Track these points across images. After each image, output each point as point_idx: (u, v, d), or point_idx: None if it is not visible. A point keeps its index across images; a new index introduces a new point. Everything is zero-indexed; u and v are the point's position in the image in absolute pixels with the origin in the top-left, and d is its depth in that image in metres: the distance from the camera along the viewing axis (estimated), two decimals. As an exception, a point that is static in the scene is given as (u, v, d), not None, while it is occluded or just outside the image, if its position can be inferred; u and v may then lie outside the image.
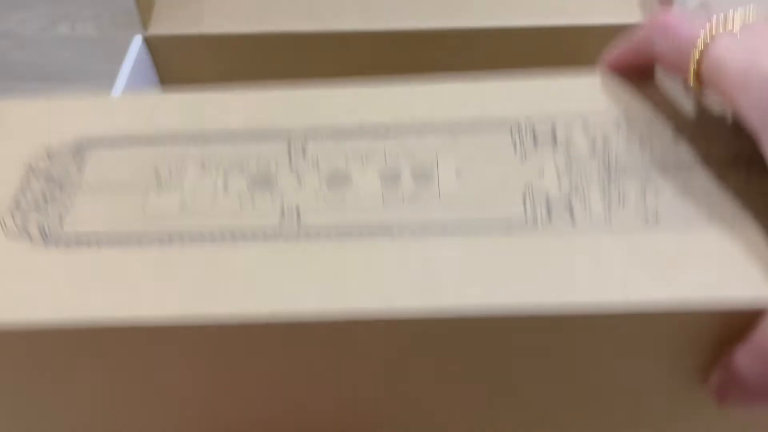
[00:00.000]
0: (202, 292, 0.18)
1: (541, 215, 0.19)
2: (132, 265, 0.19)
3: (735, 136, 0.20)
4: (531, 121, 0.21)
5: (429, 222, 0.19)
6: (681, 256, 0.18)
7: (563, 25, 0.45)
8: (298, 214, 0.20)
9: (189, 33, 0.49)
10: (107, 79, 0.68)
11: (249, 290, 0.18)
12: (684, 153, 0.20)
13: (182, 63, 0.51)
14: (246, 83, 0.44)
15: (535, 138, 0.21)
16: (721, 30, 0.19)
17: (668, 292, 0.17)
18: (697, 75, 0.19)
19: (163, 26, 0.49)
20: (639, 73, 0.23)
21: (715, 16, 0.20)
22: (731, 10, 0.20)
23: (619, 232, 0.19)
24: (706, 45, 0.19)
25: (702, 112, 0.21)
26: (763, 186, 0.19)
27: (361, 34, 0.48)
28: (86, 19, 0.77)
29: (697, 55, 0.19)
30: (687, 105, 0.21)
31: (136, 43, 0.49)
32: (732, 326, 0.18)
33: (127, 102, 0.23)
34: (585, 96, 0.22)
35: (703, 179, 0.20)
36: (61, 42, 0.74)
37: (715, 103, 0.22)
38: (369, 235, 0.19)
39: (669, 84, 0.22)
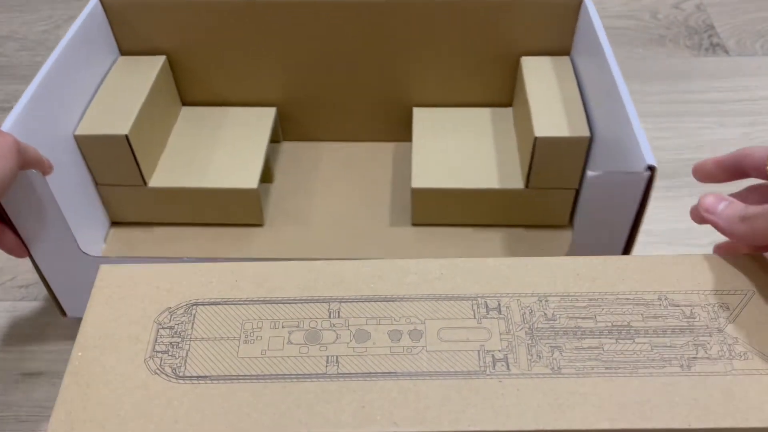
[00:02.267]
0: (277, 415, 0.30)
1: (488, 365, 0.31)
2: (234, 395, 0.30)
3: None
4: (484, 298, 0.33)
5: (419, 370, 0.31)
6: (572, 395, 0.30)
7: None
8: (338, 361, 0.31)
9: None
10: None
11: (307, 414, 0.30)
12: (580, 322, 0.32)
13: (140, 29, 0.52)
14: (202, 51, 0.52)
15: (487, 308, 0.33)
16: None
17: (564, 419, 0.29)
18: None
19: None
20: (728, 175, 0.36)
21: None
22: None
23: (536, 377, 0.31)
24: None
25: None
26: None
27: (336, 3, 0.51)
28: (90, 21, 0.82)
29: None
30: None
31: (91, 4, 0.49)
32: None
33: (218, 270, 0.35)
34: (517, 278, 0.34)
35: (589, 343, 0.32)
36: (65, 44, 0.80)
37: None
38: (381, 377, 0.31)
39: None
